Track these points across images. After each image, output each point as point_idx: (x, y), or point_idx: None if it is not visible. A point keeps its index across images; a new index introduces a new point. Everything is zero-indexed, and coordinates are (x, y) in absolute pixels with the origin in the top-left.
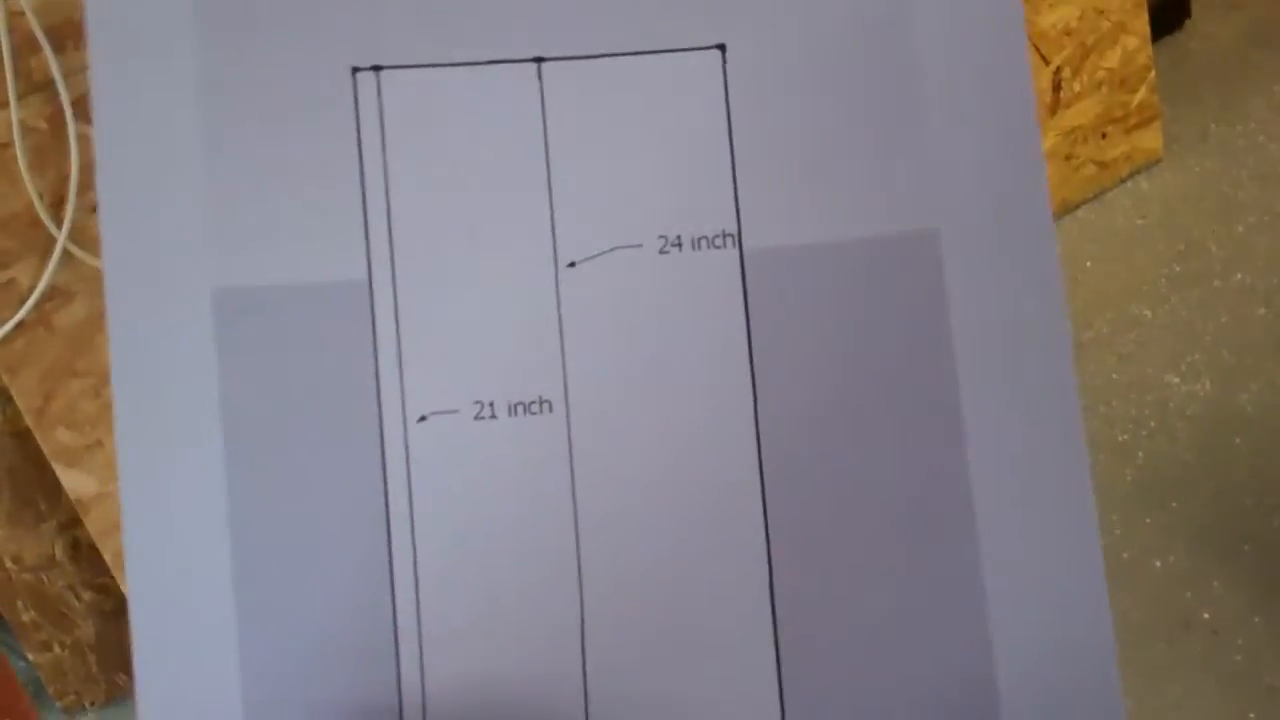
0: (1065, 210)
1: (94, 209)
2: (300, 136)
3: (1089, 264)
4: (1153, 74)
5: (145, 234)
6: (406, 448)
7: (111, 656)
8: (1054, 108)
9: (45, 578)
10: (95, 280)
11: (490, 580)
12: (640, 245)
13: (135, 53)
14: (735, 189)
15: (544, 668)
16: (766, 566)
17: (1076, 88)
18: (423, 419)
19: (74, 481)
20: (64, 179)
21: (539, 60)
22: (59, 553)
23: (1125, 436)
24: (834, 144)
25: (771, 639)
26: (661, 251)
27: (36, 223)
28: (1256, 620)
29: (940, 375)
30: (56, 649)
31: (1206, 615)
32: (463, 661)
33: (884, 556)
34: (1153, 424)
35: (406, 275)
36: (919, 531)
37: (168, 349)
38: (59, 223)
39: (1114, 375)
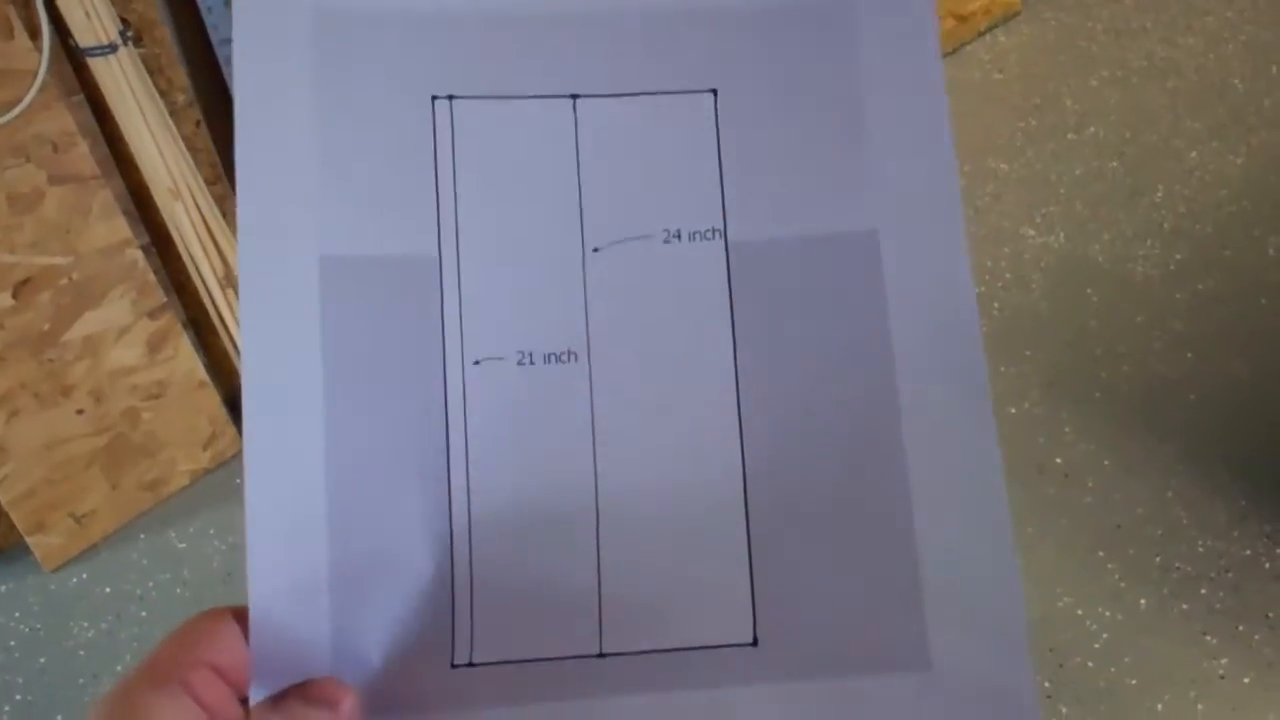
0: None
1: None
2: (391, 145)
3: None
4: None
5: (270, 211)
6: (464, 385)
7: None
8: None
9: None
10: None
11: (526, 481)
12: (649, 236)
13: (267, 59)
14: (722, 195)
15: (565, 523)
16: (741, 479)
17: None
18: (477, 363)
19: None
20: None
21: (574, 96)
22: None
23: (982, 288)
24: (796, 160)
25: (744, 528)
26: (665, 241)
27: None
28: (1105, 463)
29: (875, 342)
30: None
31: (1059, 459)
32: (502, 527)
33: (831, 474)
34: (1008, 275)
35: (468, 253)
36: (858, 450)
37: (285, 300)
38: None
39: (971, 228)
